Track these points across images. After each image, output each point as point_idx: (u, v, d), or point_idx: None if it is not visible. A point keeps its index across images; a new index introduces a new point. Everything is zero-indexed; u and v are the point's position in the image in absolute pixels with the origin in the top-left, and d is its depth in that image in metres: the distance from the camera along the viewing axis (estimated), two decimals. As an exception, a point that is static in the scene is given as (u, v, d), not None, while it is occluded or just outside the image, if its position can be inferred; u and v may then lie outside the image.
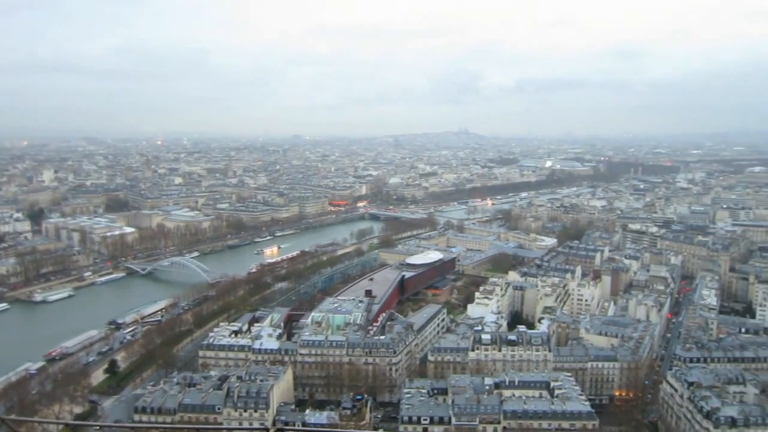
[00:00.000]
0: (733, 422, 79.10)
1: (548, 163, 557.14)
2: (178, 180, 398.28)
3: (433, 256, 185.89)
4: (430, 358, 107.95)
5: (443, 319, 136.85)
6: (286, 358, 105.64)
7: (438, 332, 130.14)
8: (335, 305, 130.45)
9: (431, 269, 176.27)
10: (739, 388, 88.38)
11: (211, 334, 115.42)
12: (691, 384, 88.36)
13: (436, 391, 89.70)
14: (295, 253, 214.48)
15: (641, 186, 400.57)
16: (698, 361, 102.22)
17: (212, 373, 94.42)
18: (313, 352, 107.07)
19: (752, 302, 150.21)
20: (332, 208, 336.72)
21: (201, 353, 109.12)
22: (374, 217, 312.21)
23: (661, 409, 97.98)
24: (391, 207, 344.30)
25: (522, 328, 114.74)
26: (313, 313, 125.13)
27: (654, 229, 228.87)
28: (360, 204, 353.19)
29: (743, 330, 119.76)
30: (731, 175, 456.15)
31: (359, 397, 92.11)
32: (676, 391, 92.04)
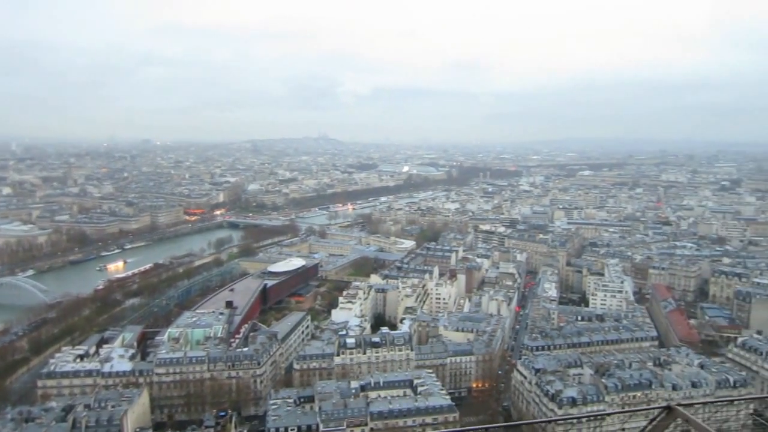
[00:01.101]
0: (573, 402, 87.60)
1: (405, 168, 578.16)
2: (7, 190, 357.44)
3: (295, 263, 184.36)
4: (296, 366, 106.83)
5: (308, 326, 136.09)
6: (141, 380, 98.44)
7: (303, 340, 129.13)
8: (194, 319, 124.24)
9: (294, 276, 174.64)
10: (578, 370, 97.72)
11: (51, 360, 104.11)
12: (537, 370, 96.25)
13: (303, 400, 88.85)
14: (147, 267, 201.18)
15: (490, 189, 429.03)
16: (543, 348, 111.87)
17: (54, 404, 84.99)
18: (171, 370, 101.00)
19: (585, 292, 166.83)
20: (188, 217, 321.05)
21: (40, 383, 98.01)
22: (233, 225, 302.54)
23: (513, 396, 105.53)
24: (251, 214, 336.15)
25: (385, 329, 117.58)
26: (169, 329, 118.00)
27: (502, 229, 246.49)
28: (217, 212, 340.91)
29: (579, 318, 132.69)
30: (565, 179, 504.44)
31: (222, 413, 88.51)
32: (525, 377, 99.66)
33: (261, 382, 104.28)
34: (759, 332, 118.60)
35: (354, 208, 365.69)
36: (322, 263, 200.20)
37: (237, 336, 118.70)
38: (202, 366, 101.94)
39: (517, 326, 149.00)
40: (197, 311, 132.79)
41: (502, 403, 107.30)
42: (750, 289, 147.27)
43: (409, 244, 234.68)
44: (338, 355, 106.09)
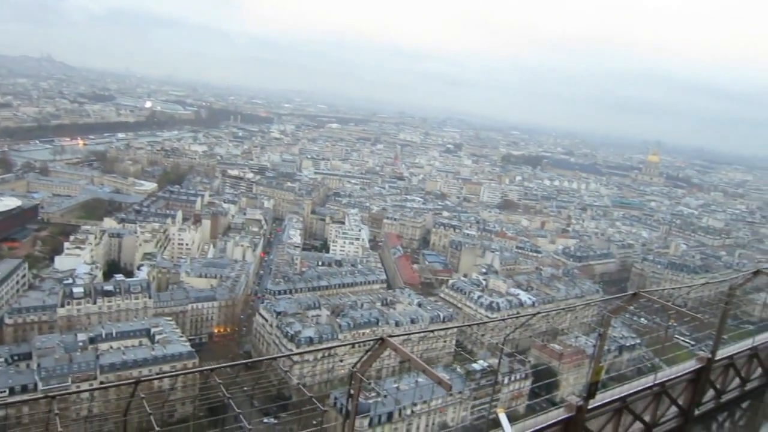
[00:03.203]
0: (310, 341, 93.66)
1: (149, 104, 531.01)
2: None
3: (8, 203, 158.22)
4: (8, 320, 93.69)
5: (24, 276, 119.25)
6: None
7: (18, 290, 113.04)
8: None
9: (6, 219, 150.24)
10: (316, 312, 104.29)
11: None
12: (279, 313, 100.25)
13: (17, 357, 78.93)
14: None
15: (240, 134, 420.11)
16: (285, 293, 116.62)
17: None
18: None
19: (327, 239, 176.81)
20: None
21: None
22: None
23: (254, 340, 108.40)
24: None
25: (120, 277, 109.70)
26: None
27: (250, 175, 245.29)
28: None
29: (320, 263, 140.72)
30: (315, 129, 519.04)
31: None
32: (267, 321, 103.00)
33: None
34: (465, 275, 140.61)
35: (86, 144, 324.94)
36: (43, 204, 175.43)
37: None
38: None
39: (262, 272, 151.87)
40: None
41: (243, 347, 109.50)
42: (461, 239, 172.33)
43: (149, 186, 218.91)
44: (62, 306, 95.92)
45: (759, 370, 17.46)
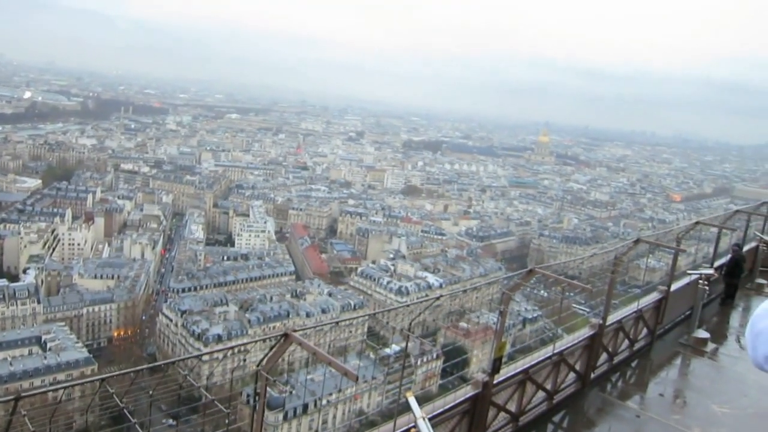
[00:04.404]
0: (219, 338, 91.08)
1: (28, 94, 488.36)
2: None
3: None
4: None
5: None
6: None
7: None
8: None
9: None
10: (224, 308, 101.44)
11: None
12: (183, 312, 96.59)
13: None
14: None
15: (132, 126, 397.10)
16: (190, 290, 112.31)
17: None
18: None
19: (232, 233, 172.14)
20: None
21: None
22: None
23: (158, 341, 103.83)
24: None
25: (2, 281, 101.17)
26: None
27: (146, 169, 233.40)
28: None
29: (226, 258, 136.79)
30: (214, 120, 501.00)
31: None
32: (171, 320, 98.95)
33: None
34: (374, 262, 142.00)
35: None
36: None
37: None
38: None
39: (163, 270, 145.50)
40: None
41: (147, 349, 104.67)
42: (368, 226, 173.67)
43: (33, 183, 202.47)
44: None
45: (645, 331, 18.90)
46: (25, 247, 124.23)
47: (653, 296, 19.48)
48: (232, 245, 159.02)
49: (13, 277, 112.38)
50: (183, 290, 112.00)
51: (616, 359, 17.28)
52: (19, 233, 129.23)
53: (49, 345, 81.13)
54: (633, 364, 17.99)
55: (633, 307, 18.15)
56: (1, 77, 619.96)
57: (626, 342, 17.90)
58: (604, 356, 16.81)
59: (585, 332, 15.96)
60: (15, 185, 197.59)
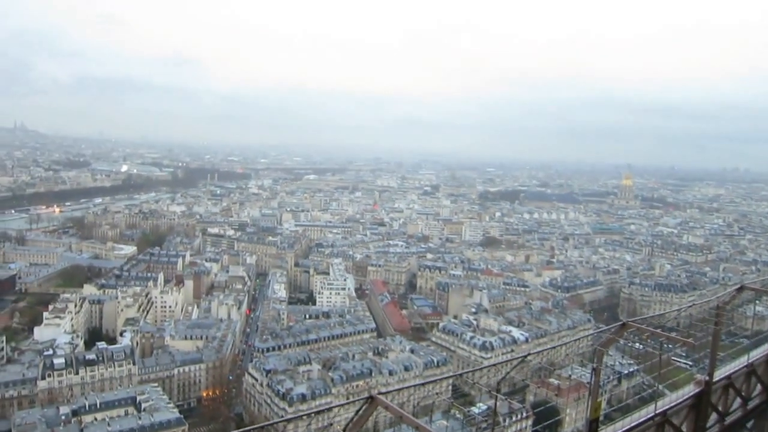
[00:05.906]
0: (303, 398, 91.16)
1: (124, 168, 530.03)
2: None
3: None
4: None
5: (1, 349, 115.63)
6: None
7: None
8: None
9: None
10: (307, 367, 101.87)
11: None
12: (268, 371, 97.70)
13: (-5, 438, 75.68)
14: None
15: (218, 191, 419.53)
16: (274, 349, 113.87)
17: None
18: None
19: (313, 291, 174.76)
20: None
21: None
22: None
23: (245, 400, 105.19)
24: None
25: (102, 344, 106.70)
26: None
27: (231, 232, 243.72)
28: None
29: (308, 316, 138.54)
30: (293, 182, 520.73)
31: None
32: (256, 380, 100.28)
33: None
34: (455, 317, 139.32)
35: (62, 211, 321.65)
36: (20, 274, 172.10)
37: None
38: None
39: (248, 329, 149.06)
40: None
41: (234, 409, 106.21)
42: (447, 280, 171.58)
43: (129, 249, 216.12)
44: (43, 378, 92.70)
45: (759, 387, 17.18)
46: (122, 310, 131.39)
47: (766, 348, 17.76)
48: (314, 303, 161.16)
49: (111, 339, 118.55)
50: (267, 349, 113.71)
51: (728, 419, 15.69)
52: (117, 298, 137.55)
53: (143, 405, 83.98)
54: (749, 425, 16.29)
55: (743, 360, 16.56)
56: (101, 153, 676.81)
57: (738, 400, 16.30)
58: (713, 416, 15.34)
59: (690, 390, 14.64)
60: (113, 252, 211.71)
